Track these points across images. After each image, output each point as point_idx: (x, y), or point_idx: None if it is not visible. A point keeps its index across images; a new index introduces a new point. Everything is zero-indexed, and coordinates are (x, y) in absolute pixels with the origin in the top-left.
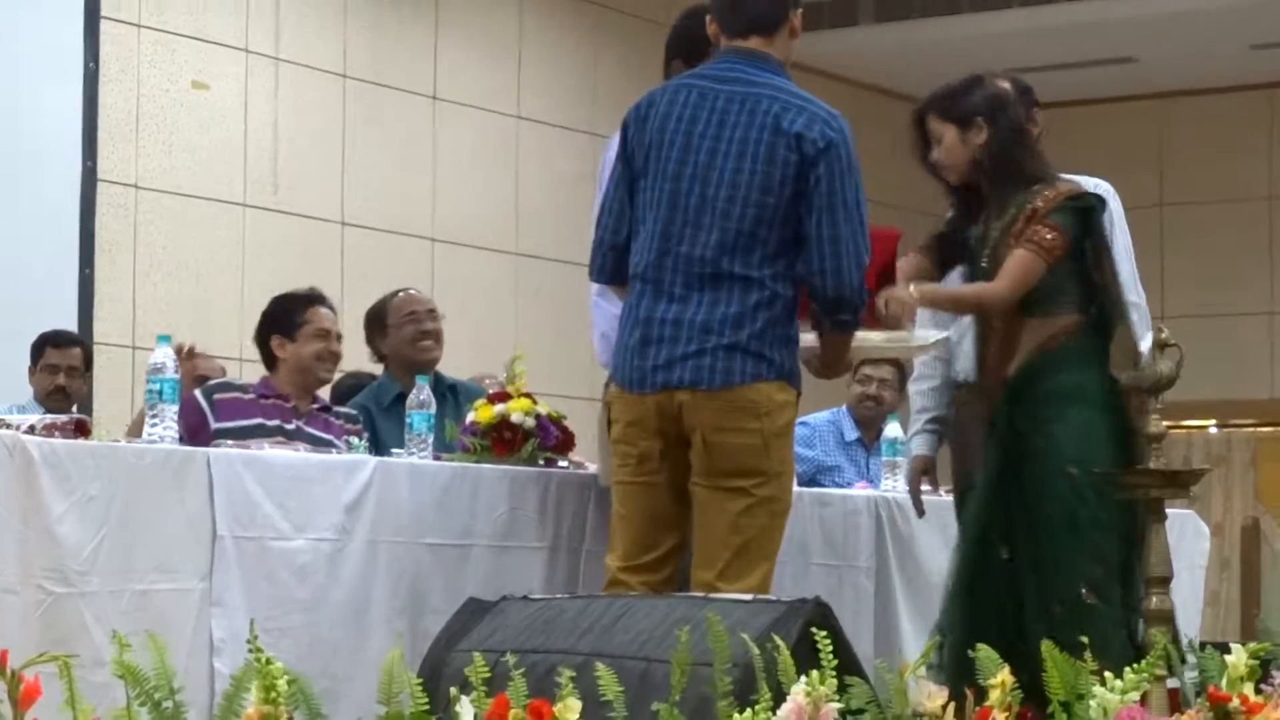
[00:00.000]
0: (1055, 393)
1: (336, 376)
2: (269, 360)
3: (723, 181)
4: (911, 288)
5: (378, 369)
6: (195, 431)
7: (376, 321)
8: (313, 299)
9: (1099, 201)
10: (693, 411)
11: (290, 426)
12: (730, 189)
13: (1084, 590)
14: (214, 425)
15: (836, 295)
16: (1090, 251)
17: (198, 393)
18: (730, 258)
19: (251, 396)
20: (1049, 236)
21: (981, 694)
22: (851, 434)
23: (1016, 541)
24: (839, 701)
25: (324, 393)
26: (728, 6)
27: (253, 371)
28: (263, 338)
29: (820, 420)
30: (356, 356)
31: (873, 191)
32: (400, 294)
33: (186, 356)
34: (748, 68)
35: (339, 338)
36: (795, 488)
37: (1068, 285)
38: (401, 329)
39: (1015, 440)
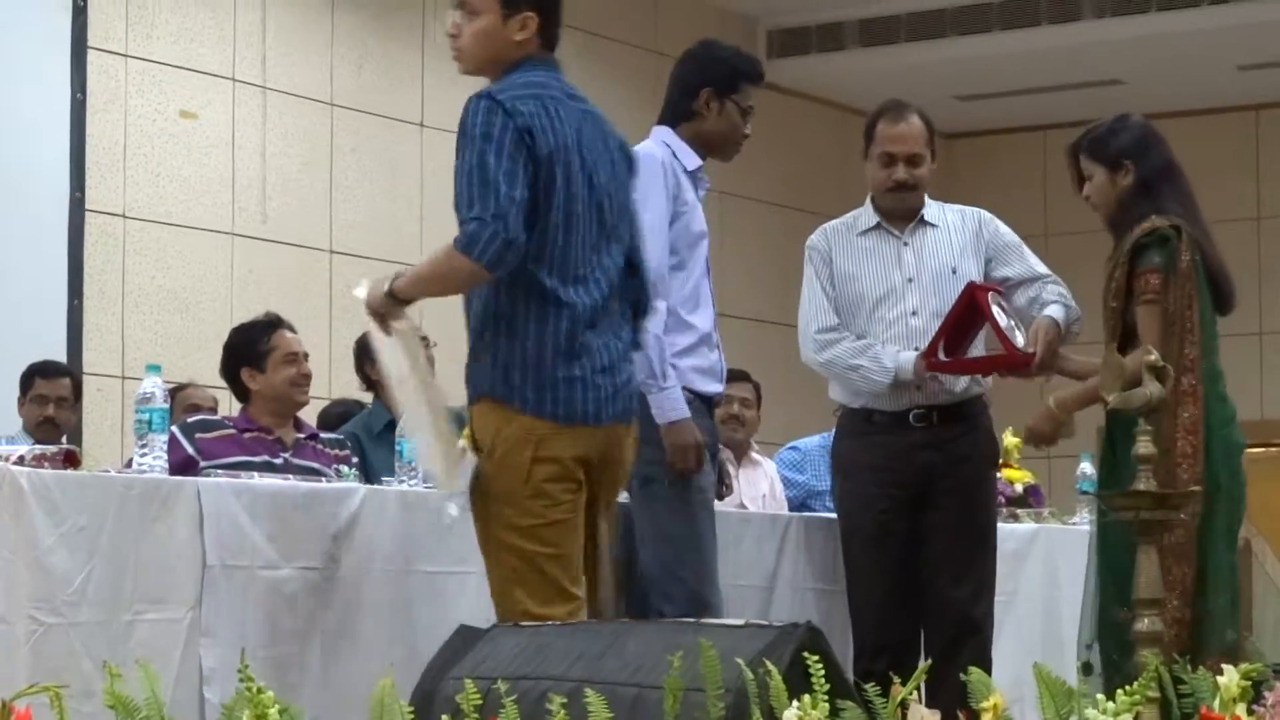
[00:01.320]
0: None
1: (324, 404)
2: (242, 393)
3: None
4: (1051, 400)
5: (365, 397)
6: (181, 470)
7: (367, 349)
8: (273, 324)
9: (1175, 232)
10: (625, 444)
11: (278, 461)
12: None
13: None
14: (201, 465)
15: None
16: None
17: (176, 430)
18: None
19: (233, 431)
20: (1154, 281)
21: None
22: None
23: None
24: None
25: (311, 420)
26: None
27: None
28: (231, 372)
29: (811, 444)
30: (343, 384)
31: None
32: None
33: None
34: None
35: (306, 357)
36: (786, 512)
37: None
38: None
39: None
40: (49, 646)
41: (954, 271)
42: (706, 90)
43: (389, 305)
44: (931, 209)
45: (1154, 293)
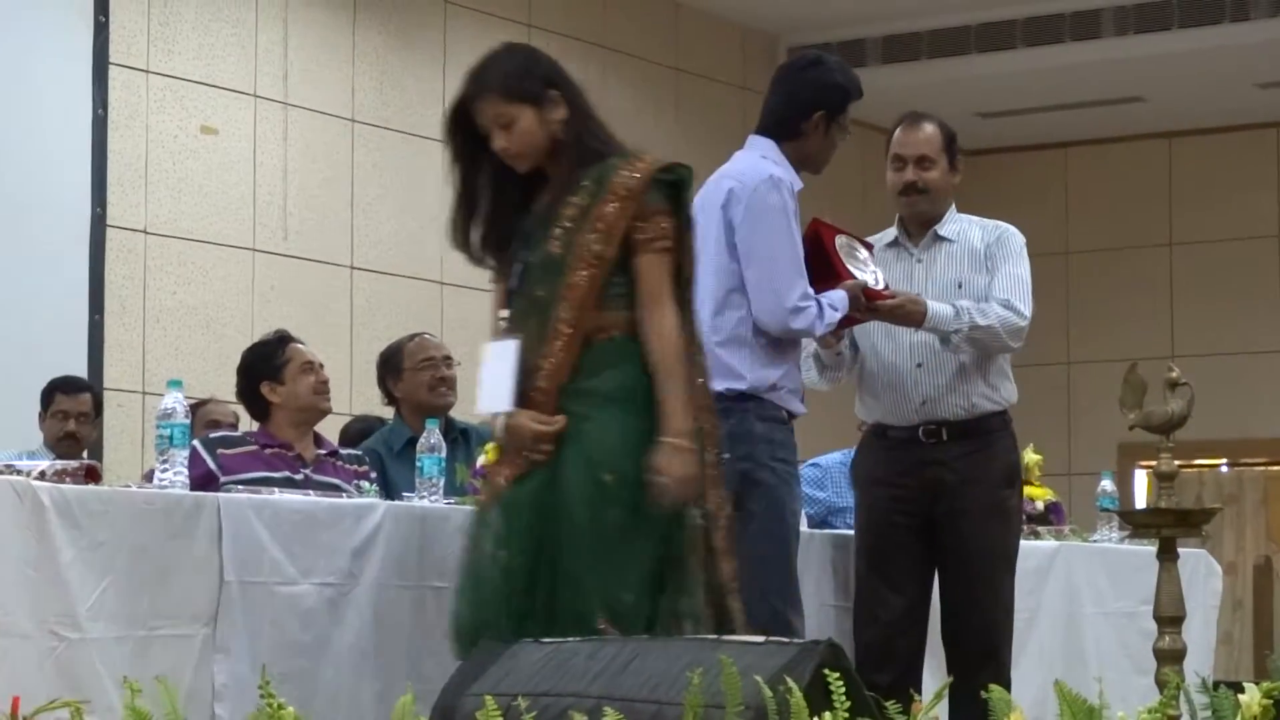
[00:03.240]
0: (595, 392)
1: (345, 420)
2: (260, 411)
3: None
4: None
5: (385, 412)
6: (202, 485)
7: (390, 364)
8: (284, 339)
9: (688, 173)
10: None
11: (298, 477)
12: None
13: (602, 622)
14: (222, 480)
15: None
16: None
17: (198, 445)
18: None
19: (254, 448)
20: (664, 226)
21: None
22: None
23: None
24: None
25: (331, 436)
26: None
27: None
28: (250, 388)
29: (831, 461)
30: (365, 400)
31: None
32: (416, 338)
33: None
34: None
35: (321, 366)
36: (805, 529)
37: (619, 274)
38: (418, 374)
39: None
40: (70, 662)
41: (959, 286)
42: (820, 113)
43: None
44: (951, 224)
45: (668, 239)
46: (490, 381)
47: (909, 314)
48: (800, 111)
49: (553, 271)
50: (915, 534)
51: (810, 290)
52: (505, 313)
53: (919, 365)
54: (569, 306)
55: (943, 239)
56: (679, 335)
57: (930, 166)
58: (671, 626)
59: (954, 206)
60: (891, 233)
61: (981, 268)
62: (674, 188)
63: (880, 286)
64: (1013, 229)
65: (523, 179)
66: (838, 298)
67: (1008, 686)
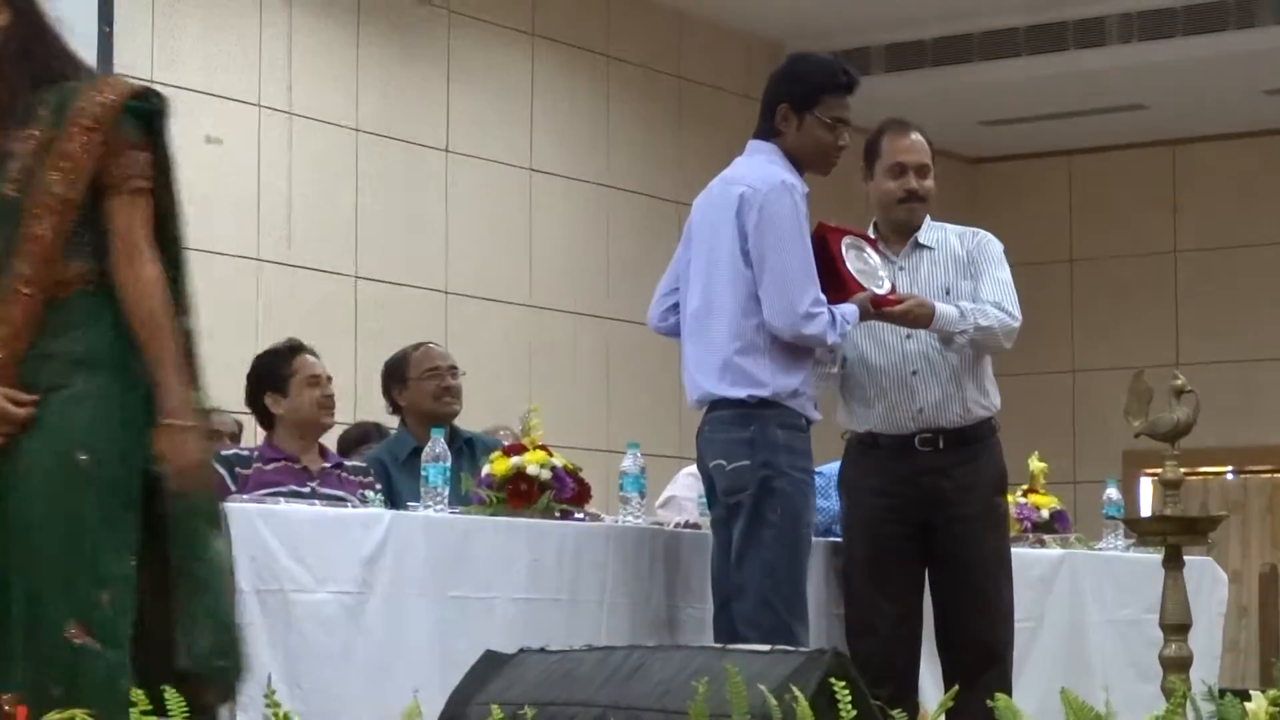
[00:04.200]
0: (61, 356)
1: (342, 427)
2: (266, 421)
3: None
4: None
5: (389, 421)
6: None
7: (395, 374)
8: (294, 349)
9: (165, 102)
10: None
11: (305, 490)
12: None
13: (72, 629)
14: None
15: None
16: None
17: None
18: None
19: (264, 466)
20: (141, 162)
21: None
22: None
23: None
24: None
25: (332, 445)
26: None
27: None
28: (256, 399)
29: (833, 470)
30: (367, 410)
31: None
32: (421, 348)
33: None
34: None
35: (330, 380)
36: (813, 538)
37: (87, 220)
38: (423, 383)
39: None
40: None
41: (947, 292)
42: (783, 106)
43: None
44: (928, 231)
45: (145, 177)
46: None
47: (917, 318)
48: (767, 108)
49: (7, 220)
50: (909, 541)
51: (822, 297)
52: None
53: (914, 373)
54: (29, 261)
55: (923, 246)
56: (163, 289)
57: (928, 174)
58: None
59: (929, 215)
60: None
61: (965, 273)
62: (149, 117)
63: (886, 290)
64: (989, 235)
65: None
66: (849, 312)
67: (1010, 692)
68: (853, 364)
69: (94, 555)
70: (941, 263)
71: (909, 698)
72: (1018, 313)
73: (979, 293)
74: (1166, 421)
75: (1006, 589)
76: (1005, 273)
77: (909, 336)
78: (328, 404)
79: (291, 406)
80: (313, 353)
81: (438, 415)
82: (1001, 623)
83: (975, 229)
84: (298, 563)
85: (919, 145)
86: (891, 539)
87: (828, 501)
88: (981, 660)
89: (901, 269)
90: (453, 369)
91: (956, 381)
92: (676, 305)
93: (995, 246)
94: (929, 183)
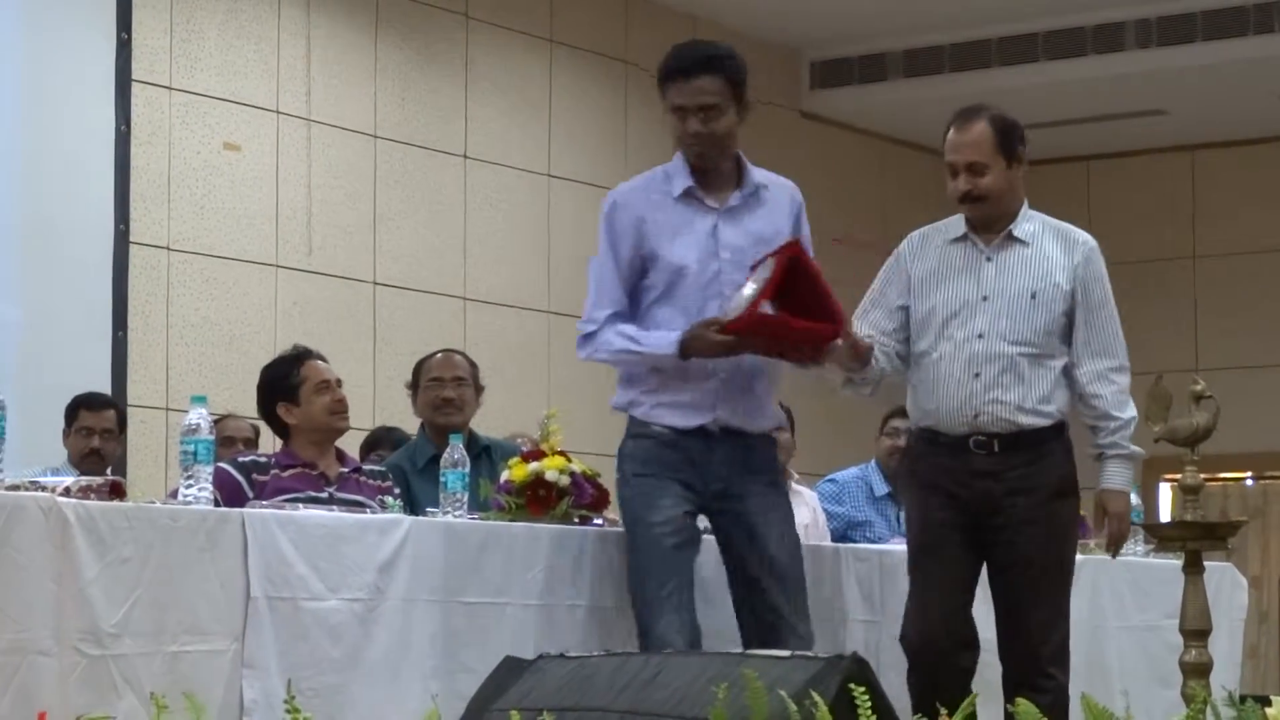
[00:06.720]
0: None
1: (362, 433)
2: (281, 429)
3: None
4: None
5: (408, 425)
6: (232, 505)
7: (413, 380)
8: (302, 356)
9: None
10: None
11: (323, 495)
12: None
13: None
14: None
15: None
16: None
17: (230, 468)
18: None
19: (281, 472)
20: None
21: None
22: (881, 489)
23: None
24: None
25: (352, 450)
26: None
27: None
28: (268, 409)
29: (848, 476)
30: (387, 415)
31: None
32: (435, 355)
33: None
34: None
35: (339, 383)
36: (828, 543)
37: None
38: (426, 392)
39: None
40: (94, 679)
41: (1033, 296)
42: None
43: None
44: (1027, 224)
45: None
46: None
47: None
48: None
49: None
50: (963, 534)
51: (601, 315)
52: None
53: (977, 375)
54: None
55: (1016, 240)
56: None
57: (984, 171)
58: None
59: (1026, 203)
60: (960, 226)
61: (1059, 290)
62: None
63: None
64: (1093, 244)
65: None
66: (654, 339)
67: (1066, 706)
68: (923, 360)
69: None
70: (1033, 264)
71: (963, 695)
72: (1124, 357)
73: (1083, 340)
74: (1186, 427)
75: (1056, 598)
76: (1111, 304)
77: (980, 336)
78: (339, 408)
79: (304, 414)
80: (320, 357)
81: (436, 425)
82: (1051, 632)
83: (1076, 231)
84: (312, 569)
85: (967, 141)
86: (945, 527)
87: (842, 508)
88: (1030, 671)
89: (990, 260)
90: (457, 379)
91: (1018, 389)
92: None
93: (1100, 263)
94: (985, 179)
